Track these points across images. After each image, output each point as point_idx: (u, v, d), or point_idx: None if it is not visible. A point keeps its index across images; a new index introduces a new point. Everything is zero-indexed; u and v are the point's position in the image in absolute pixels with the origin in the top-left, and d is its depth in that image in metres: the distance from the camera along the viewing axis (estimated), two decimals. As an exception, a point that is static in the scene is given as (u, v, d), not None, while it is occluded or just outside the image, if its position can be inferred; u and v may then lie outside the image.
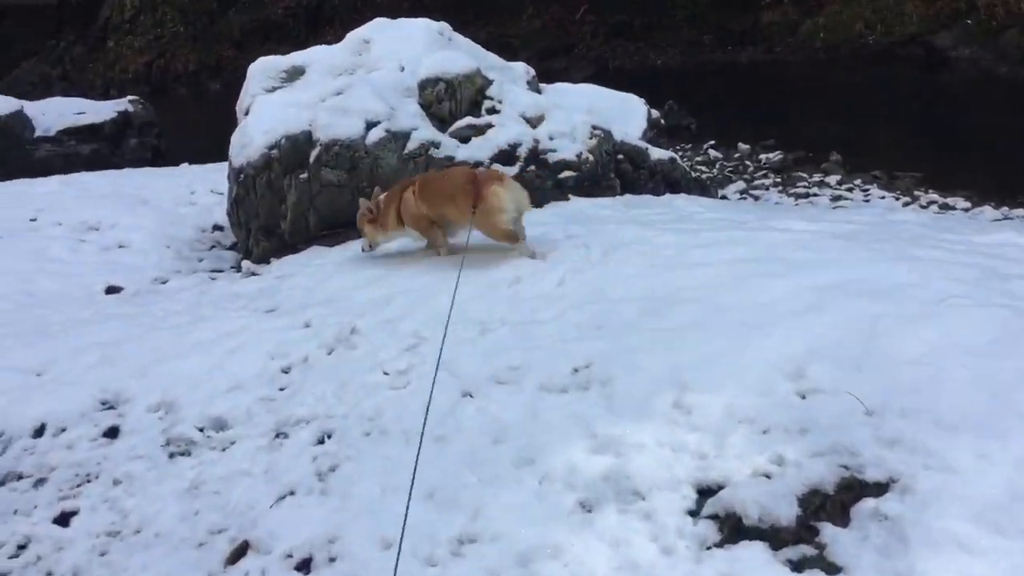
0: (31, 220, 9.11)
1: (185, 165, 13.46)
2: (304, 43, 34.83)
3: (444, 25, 8.55)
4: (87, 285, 7.39)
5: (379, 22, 8.54)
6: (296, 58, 8.35)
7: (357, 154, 7.07)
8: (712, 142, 14.15)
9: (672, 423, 3.57)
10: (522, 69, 8.73)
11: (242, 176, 7.48)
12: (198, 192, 10.15)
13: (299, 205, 7.22)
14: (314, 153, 7.07)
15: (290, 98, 7.81)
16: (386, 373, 4.58)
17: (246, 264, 7.04)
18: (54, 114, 17.48)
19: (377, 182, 7.15)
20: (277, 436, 4.30)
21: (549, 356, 4.33)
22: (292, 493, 3.80)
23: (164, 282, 7.43)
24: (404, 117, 7.29)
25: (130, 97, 19.03)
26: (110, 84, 34.96)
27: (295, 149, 7.15)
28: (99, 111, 17.98)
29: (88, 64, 36.79)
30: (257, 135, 7.47)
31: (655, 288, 4.84)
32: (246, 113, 8.04)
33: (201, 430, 4.49)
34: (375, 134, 7.10)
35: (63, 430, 4.74)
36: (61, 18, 39.73)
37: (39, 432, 4.75)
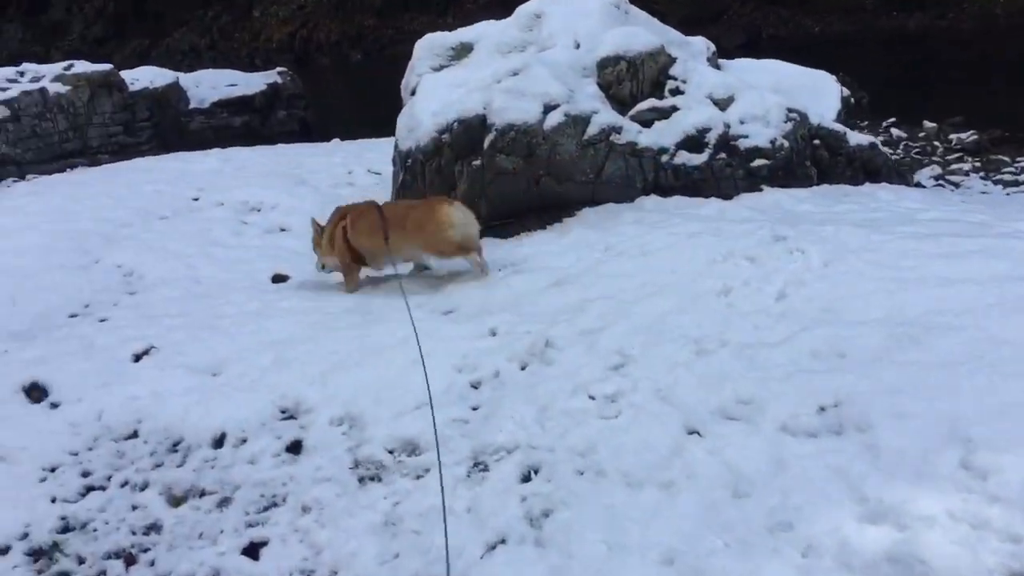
0: (193, 199, 9.04)
1: (336, 141, 13.31)
2: (444, 13, 34.59)
3: (620, -3, 7.94)
4: (253, 272, 7.19)
5: (550, -7, 7.99)
6: (463, 34, 7.92)
7: (534, 140, 6.59)
8: (893, 119, 13.04)
9: (964, 490, 2.96)
10: (702, 44, 8.06)
11: (410, 161, 7.12)
12: (355, 172, 9.91)
13: (470, 193, 6.80)
14: (488, 138, 6.63)
15: (459, 77, 7.38)
16: (592, 398, 4.09)
17: (418, 257, 6.68)
18: (207, 86, 17.74)
19: (554, 169, 6.67)
20: (476, 466, 3.88)
21: (785, 389, 3.76)
22: (503, 542, 3.37)
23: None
24: (583, 99, 6.76)
25: (279, 69, 19.15)
26: (254, 54, 35.70)
27: (468, 134, 6.73)
28: (250, 83, 18.15)
29: (234, 34, 37.66)
30: (426, 117, 7.08)
31: (901, 309, 4.18)
32: (412, 93, 7.67)
33: (391, 452, 4.11)
34: (553, 118, 6.59)
35: (244, 441, 4.46)
36: (209, -12, 40.80)
37: (219, 442, 4.49)
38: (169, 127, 16.38)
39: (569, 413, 4.01)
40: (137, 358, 5.43)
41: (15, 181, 14.02)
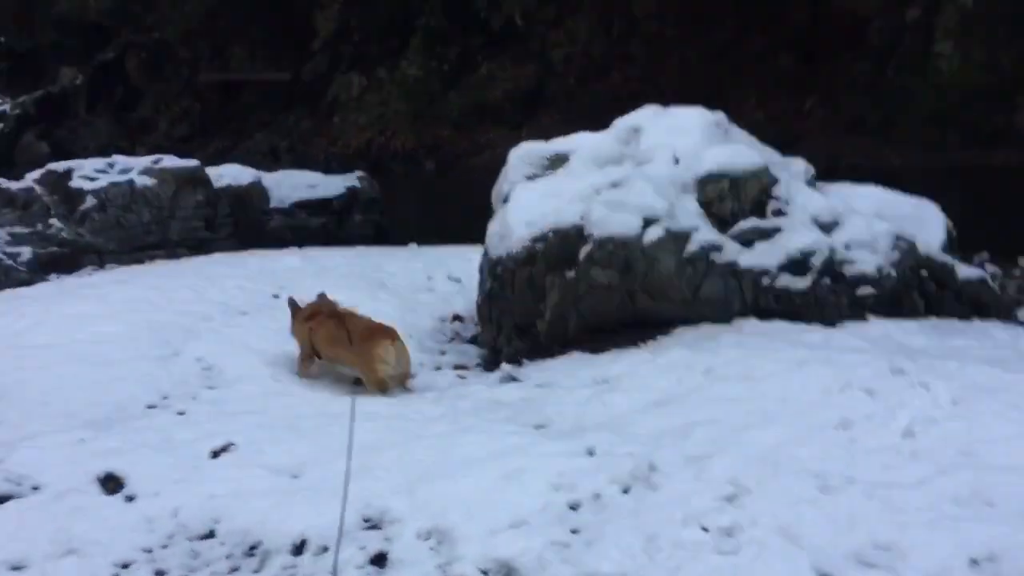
0: (273, 296, 9.01)
1: (413, 246, 13.34)
2: (519, 127, 35.27)
3: (720, 115, 7.87)
4: (335, 372, 7.05)
5: (649, 110, 7.96)
6: (559, 144, 7.89)
7: (632, 254, 6.43)
8: (986, 255, 12.67)
9: None
10: (802, 166, 7.90)
11: (499, 269, 7.00)
12: (435, 278, 9.83)
13: (561, 305, 6.63)
14: (585, 250, 6.49)
15: (553, 187, 7.31)
16: (705, 529, 3.77)
17: (505, 368, 6.45)
18: (288, 186, 18.10)
19: (650, 286, 6.49)
20: (579, 598, 3.57)
21: (930, 536, 3.41)
22: None
23: (411, 376, 6.97)
24: (683, 215, 6.61)
25: (358, 173, 19.51)
26: (331, 158, 36.68)
27: (563, 244, 6.60)
28: (329, 186, 18.48)
29: (313, 138, 38.84)
30: (518, 226, 6.99)
31: (1052, 456, 3.82)
32: (504, 200, 7.62)
33: (485, 573, 3.81)
34: (652, 233, 6.45)
35: (325, 549, 4.20)
36: (292, 94, 42.44)
37: (299, 549, 4.24)
38: (249, 224, 16.67)
39: (681, 545, 3.68)
40: (215, 454, 5.25)
41: (95, 270, 14.31)
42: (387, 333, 6.55)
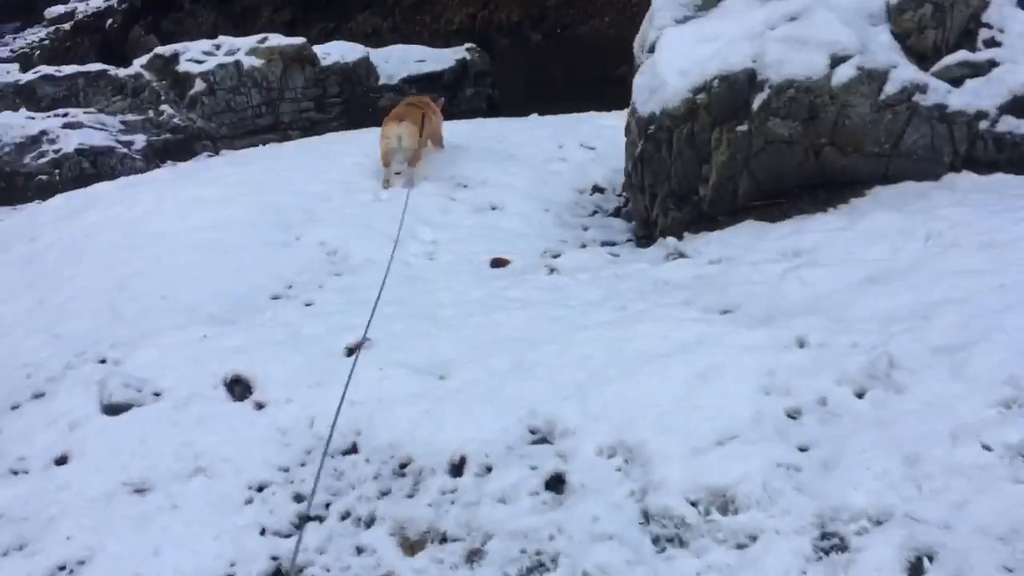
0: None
1: (535, 116, 12.36)
2: (631, -8, 32.59)
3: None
4: (469, 254, 6.30)
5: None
6: (709, -19, 6.71)
7: (819, 99, 5.34)
8: None
9: None
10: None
11: (652, 128, 6.02)
12: (567, 147, 8.87)
13: (729, 165, 5.64)
14: (760, 98, 5.42)
15: (711, 30, 6.21)
16: (987, 448, 2.87)
17: (670, 241, 5.55)
18: (396, 61, 17.25)
19: (840, 138, 5.42)
20: (826, 538, 2.76)
21: None
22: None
23: (555, 255, 6.16)
24: (878, 51, 5.44)
25: (467, 45, 18.45)
26: (435, 35, 35.50)
27: (732, 93, 5.54)
28: (439, 59, 17.55)
29: (416, 16, 37.64)
30: (673, 76, 5.95)
31: None
32: (650, 50, 6.56)
33: (694, 505, 3.05)
34: (843, 73, 5.31)
35: (488, 470, 3.52)
36: (392, -29, 41.03)
37: (457, 469, 3.56)
38: (359, 103, 15.97)
39: (959, 470, 2.81)
40: (350, 352, 4.60)
41: (210, 155, 13.90)
42: (396, 115, 7.93)
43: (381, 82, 16.54)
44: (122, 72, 14.54)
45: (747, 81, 5.52)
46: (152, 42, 28.84)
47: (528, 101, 19.00)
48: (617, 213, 7.34)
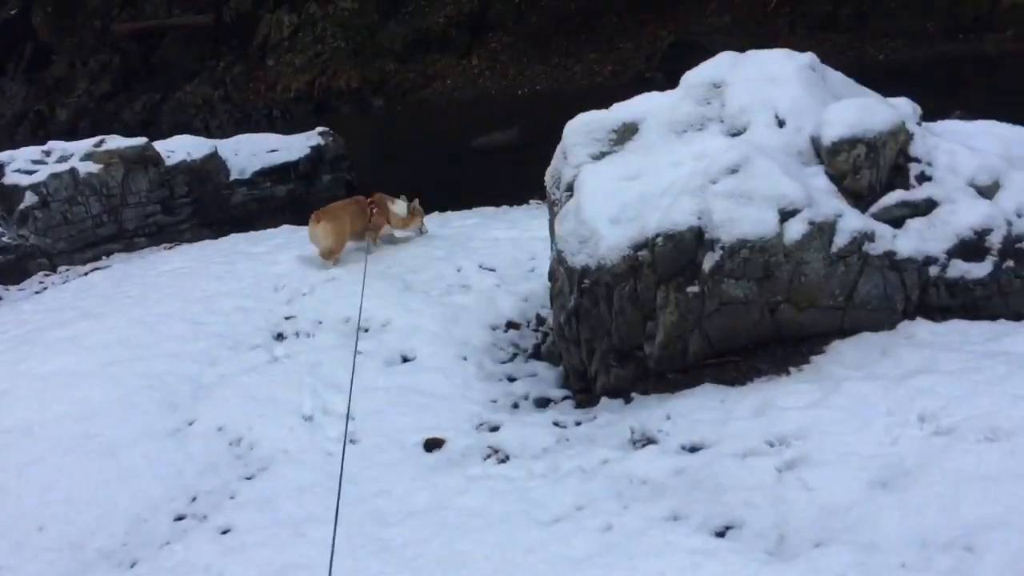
0: (285, 318, 7.49)
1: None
2: (467, 53, 33.12)
3: (811, 56, 6.42)
4: (395, 432, 5.64)
5: (726, 58, 6.49)
6: (621, 111, 6.42)
7: (774, 258, 5.04)
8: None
9: None
10: (908, 108, 6.48)
11: (586, 282, 5.58)
12: (465, 270, 8.33)
13: (679, 325, 5.26)
14: (711, 258, 5.07)
15: (631, 167, 5.89)
16: None
17: (633, 426, 5.02)
18: (246, 153, 16.24)
19: (795, 294, 5.15)
20: None
21: None
22: None
23: (493, 428, 5.59)
24: (821, 200, 5.21)
25: (319, 129, 17.65)
26: (272, 104, 34.45)
27: (678, 251, 5.18)
28: (291, 147, 16.65)
29: (248, 84, 36.42)
30: (604, 225, 5.56)
31: None
32: (567, 190, 6.16)
33: None
34: (795, 229, 5.04)
35: None
36: (218, 38, 39.61)
37: None
38: (210, 202, 14.91)
39: None
40: (296, 614, 3.87)
41: (46, 275, 12.54)
42: (315, 215, 8.71)
43: (233, 177, 15.52)
44: (-63, 187, 12.97)
45: (694, 239, 5.18)
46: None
47: (388, 183, 18.40)
48: (537, 353, 6.86)
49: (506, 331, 7.20)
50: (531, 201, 13.46)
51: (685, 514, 4.07)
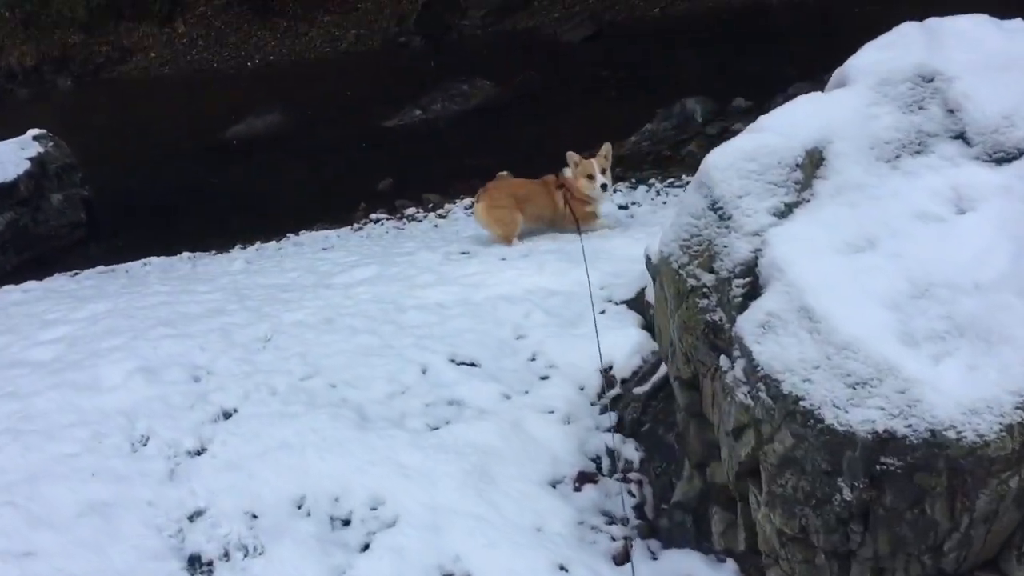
0: (191, 517, 4.23)
1: (239, 261, 8.35)
2: (170, 19, 27.99)
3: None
4: None
5: (916, 34, 4.19)
6: (792, 131, 3.93)
7: None
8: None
9: None
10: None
11: (889, 462, 3.05)
12: (433, 368, 5.37)
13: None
14: None
15: (849, 228, 3.54)
16: None
17: None
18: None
19: None
20: None
21: None
22: None
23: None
24: None
25: (33, 132, 13.10)
26: (-79, 92, 27.65)
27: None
28: (2, 161, 12.13)
29: None
30: (897, 352, 3.08)
31: None
32: (743, 275, 3.59)
33: None
34: None
35: None
36: None
37: None
38: None
39: None
40: None
41: None
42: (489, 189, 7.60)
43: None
44: None
45: None
46: None
47: (129, 191, 14.29)
48: (653, 527, 4.23)
49: (578, 488, 4.46)
50: (375, 216, 10.50)
51: None
